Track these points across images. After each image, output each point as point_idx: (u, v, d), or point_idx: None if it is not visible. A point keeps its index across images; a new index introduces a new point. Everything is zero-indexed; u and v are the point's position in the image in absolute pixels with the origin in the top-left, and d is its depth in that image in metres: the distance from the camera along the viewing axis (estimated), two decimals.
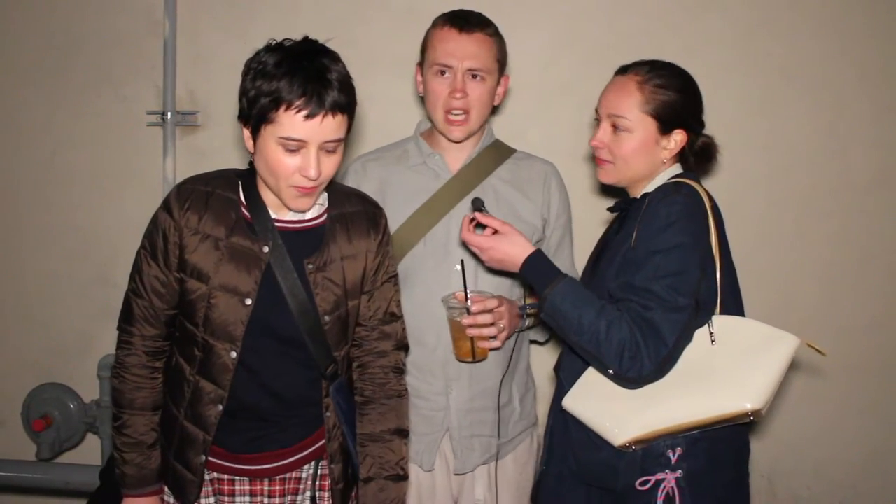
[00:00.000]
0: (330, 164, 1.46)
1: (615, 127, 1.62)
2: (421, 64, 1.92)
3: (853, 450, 2.60)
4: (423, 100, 1.94)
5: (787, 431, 2.58)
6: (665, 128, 1.62)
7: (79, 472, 2.48)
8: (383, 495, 1.60)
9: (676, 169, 1.67)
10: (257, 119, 1.42)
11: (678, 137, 1.64)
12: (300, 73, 1.39)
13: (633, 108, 1.60)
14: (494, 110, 1.98)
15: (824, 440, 2.60)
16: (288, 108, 1.38)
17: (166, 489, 1.61)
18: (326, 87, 1.39)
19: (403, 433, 1.65)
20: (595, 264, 1.74)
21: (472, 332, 1.78)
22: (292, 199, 1.48)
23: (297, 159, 1.42)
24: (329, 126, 1.41)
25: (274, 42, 1.46)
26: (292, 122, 1.38)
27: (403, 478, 1.63)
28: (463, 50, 1.82)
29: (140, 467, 1.55)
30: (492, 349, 1.85)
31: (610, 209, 1.77)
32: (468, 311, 1.77)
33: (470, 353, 1.80)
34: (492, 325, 1.78)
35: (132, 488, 1.56)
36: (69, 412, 2.62)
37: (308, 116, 1.38)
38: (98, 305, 2.65)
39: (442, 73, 1.84)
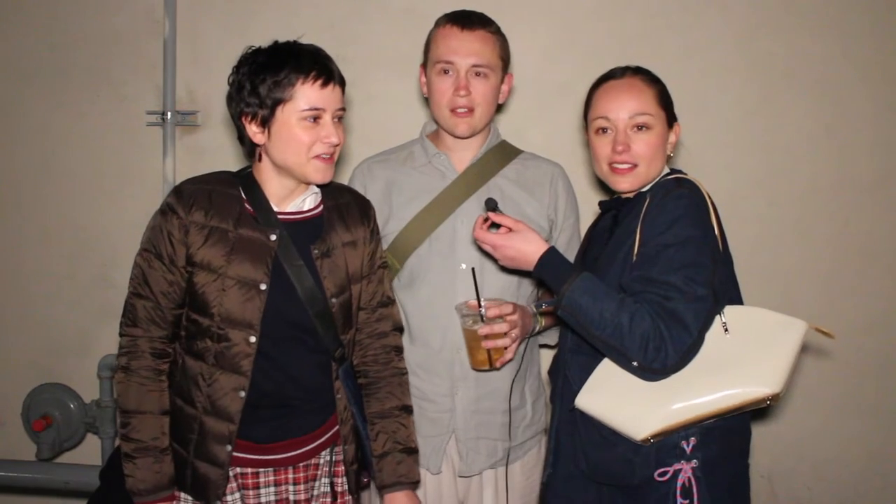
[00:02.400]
0: (340, 132, 1.58)
1: (637, 127, 1.62)
2: (424, 64, 1.92)
3: (853, 450, 2.60)
4: (427, 101, 1.93)
5: (787, 431, 2.58)
6: (670, 121, 1.66)
7: (79, 472, 2.48)
8: (401, 468, 1.66)
9: (665, 168, 1.69)
10: (273, 103, 1.51)
11: (676, 130, 1.68)
12: (301, 53, 1.54)
13: (652, 103, 1.63)
14: (499, 109, 1.97)
15: (824, 440, 2.60)
16: (304, 81, 1.51)
17: (183, 495, 1.60)
18: (327, 59, 1.56)
19: (409, 409, 1.73)
20: (585, 260, 1.74)
21: (487, 343, 1.76)
22: (317, 172, 1.56)
23: (316, 130, 1.53)
24: (338, 94, 1.56)
25: (249, 48, 1.57)
26: (310, 92, 1.51)
27: (415, 451, 1.71)
28: (466, 47, 1.81)
29: (153, 473, 1.54)
30: (506, 361, 1.83)
31: (601, 206, 1.77)
32: (482, 319, 1.75)
33: (486, 361, 1.79)
34: (506, 334, 1.77)
35: (145, 496, 1.54)
36: (69, 412, 2.62)
37: (323, 85, 1.52)
38: (98, 305, 2.66)
39: (445, 71, 1.83)
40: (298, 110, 1.51)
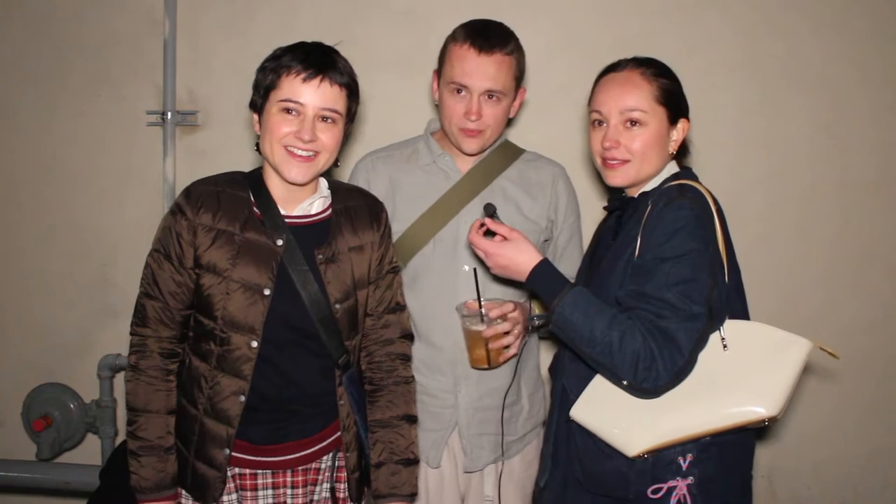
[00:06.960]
0: (327, 135, 1.53)
1: (629, 123, 1.58)
2: (438, 73, 1.88)
3: (853, 450, 2.60)
4: (437, 106, 1.92)
5: (787, 431, 2.58)
6: (673, 117, 1.61)
7: (79, 472, 2.49)
8: (395, 479, 1.64)
9: (672, 166, 1.65)
10: (265, 91, 1.53)
11: (682, 127, 1.63)
12: (306, 47, 1.54)
13: (647, 99, 1.57)
14: (509, 122, 1.95)
15: (824, 440, 2.60)
16: (288, 73, 1.50)
17: (184, 493, 1.61)
18: (326, 56, 1.53)
19: (412, 419, 1.69)
20: (591, 265, 1.72)
21: (493, 344, 1.78)
22: (288, 167, 1.53)
23: (291, 123, 1.51)
24: (326, 93, 1.51)
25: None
26: (291, 84, 1.50)
27: (414, 462, 1.67)
28: (481, 72, 1.78)
29: (157, 471, 1.54)
30: (510, 357, 1.85)
31: (606, 207, 1.75)
32: (482, 319, 1.76)
33: (485, 360, 1.80)
34: (508, 332, 1.79)
35: (148, 493, 1.54)
36: (69, 412, 2.62)
37: (305, 80, 1.49)
38: (98, 305, 2.66)
39: (458, 90, 1.81)
40: (278, 100, 1.51)
